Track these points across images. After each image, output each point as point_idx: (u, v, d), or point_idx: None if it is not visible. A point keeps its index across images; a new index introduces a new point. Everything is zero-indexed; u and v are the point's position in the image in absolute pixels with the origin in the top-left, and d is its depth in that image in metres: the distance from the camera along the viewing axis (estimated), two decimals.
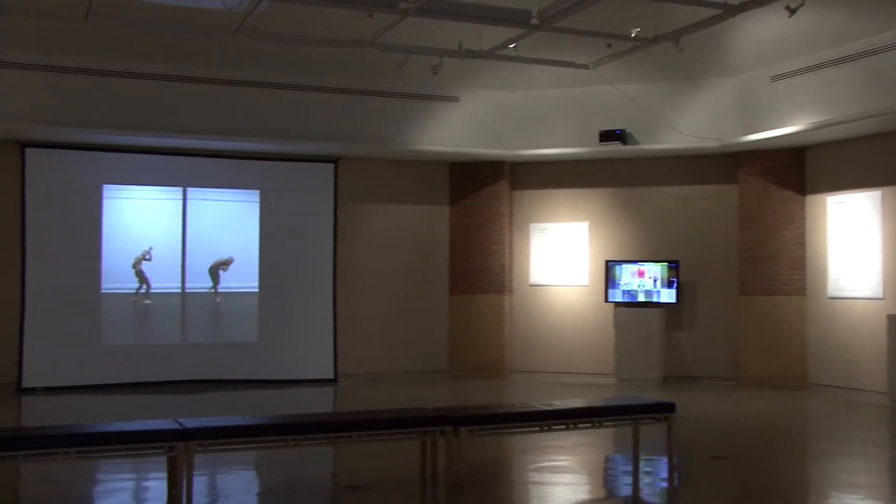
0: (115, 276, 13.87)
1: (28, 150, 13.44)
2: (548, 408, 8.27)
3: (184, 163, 14.24)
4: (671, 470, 8.39)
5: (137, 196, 14.09)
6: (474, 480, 7.73)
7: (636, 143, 14.44)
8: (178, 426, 7.01)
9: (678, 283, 14.54)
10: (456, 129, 14.89)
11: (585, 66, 13.36)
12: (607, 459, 9.33)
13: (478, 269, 15.56)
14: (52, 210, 13.54)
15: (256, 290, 14.60)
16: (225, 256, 14.45)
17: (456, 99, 14.84)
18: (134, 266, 13.96)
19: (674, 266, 14.59)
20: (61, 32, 12.18)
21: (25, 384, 13.24)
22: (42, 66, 12.69)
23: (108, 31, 11.89)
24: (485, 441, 8.82)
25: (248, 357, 14.43)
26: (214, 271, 14.40)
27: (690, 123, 14.19)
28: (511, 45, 12.14)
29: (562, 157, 15.11)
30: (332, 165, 14.99)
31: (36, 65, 12.66)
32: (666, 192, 14.99)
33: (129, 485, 8.02)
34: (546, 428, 8.14)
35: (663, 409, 8.53)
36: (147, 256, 14.00)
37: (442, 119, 14.81)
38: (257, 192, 14.63)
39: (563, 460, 9.01)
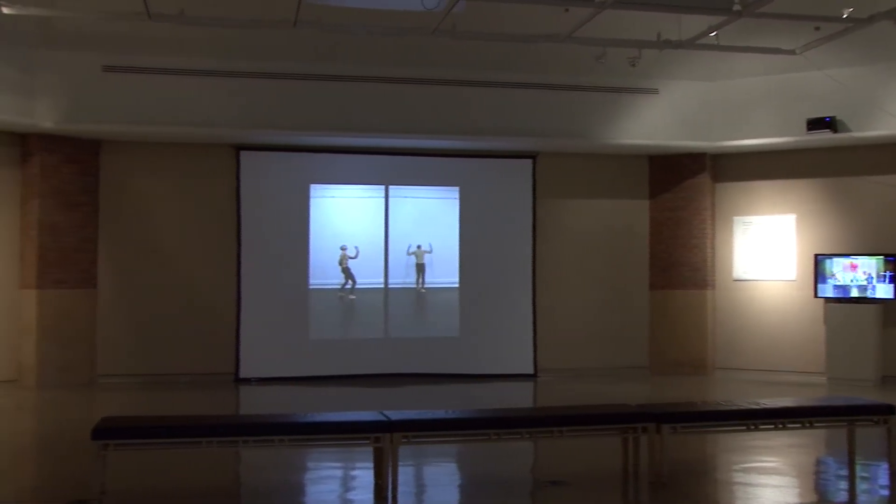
0: (322, 273, 14.45)
1: (242, 153, 14.21)
2: (755, 406, 8.00)
3: (386, 161, 14.66)
4: (892, 476, 7.93)
5: (342, 195, 14.62)
6: (677, 479, 7.59)
7: (848, 130, 13.69)
8: (383, 418, 7.24)
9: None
10: (655, 121, 14.61)
11: (792, 52, 12.80)
12: (819, 462, 8.92)
13: (679, 263, 15.23)
14: (264, 210, 14.25)
15: (457, 285, 14.84)
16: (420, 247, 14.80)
17: (655, 91, 14.55)
18: (340, 263, 14.50)
19: (891, 259, 13.77)
20: (270, 39, 12.78)
21: (242, 374, 14.02)
22: (254, 73, 13.36)
23: (313, 35, 12.37)
24: (688, 439, 8.65)
25: (449, 351, 14.69)
26: (420, 265, 14.76)
27: None
28: (712, 34, 11.78)
29: (767, 147, 14.55)
30: (530, 161, 15.04)
31: (248, 72, 13.34)
32: (881, 182, 14.15)
33: (338, 473, 8.34)
34: (753, 427, 7.89)
35: (882, 411, 8.06)
36: (352, 255, 14.48)
37: (641, 111, 14.57)
38: (457, 188, 14.88)
39: (771, 461, 8.69)
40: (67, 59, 12.85)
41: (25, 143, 13.27)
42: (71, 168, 13.48)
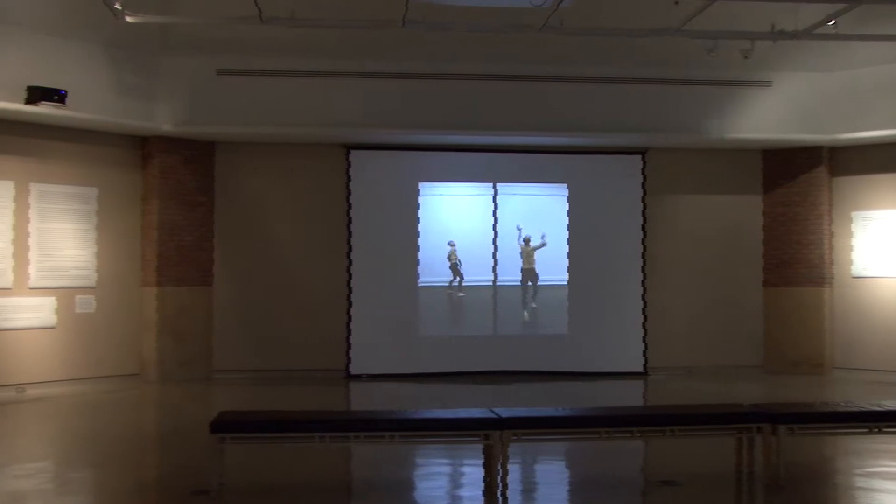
0: (430, 270, 14.55)
1: (352, 153, 14.41)
2: (878, 408, 7.73)
3: (494, 159, 14.66)
4: None
5: (450, 192, 14.69)
6: (794, 481, 7.39)
7: None
8: (493, 415, 7.25)
9: None
10: (769, 114, 14.25)
11: None
12: None
13: (794, 260, 14.83)
14: (374, 208, 14.42)
15: (566, 282, 14.75)
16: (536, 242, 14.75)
17: (768, 83, 14.19)
18: (449, 259, 14.58)
19: None
20: (378, 39, 12.92)
21: (353, 371, 14.22)
22: (363, 73, 13.54)
23: (420, 35, 12.44)
24: (805, 441, 8.41)
25: (558, 349, 14.62)
26: (529, 271, 14.72)
27: None
28: (830, 23, 11.41)
29: (888, 139, 14.01)
30: (640, 157, 14.85)
31: (358, 72, 13.53)
32: None
33: (447, 469, 8.38)
34: (875, 430, 7.63)
35: None
36: (455, 258, 14.54)
37: (753, 105, 14.22)
38: (566, 185, 14.78)
39: (895, 466, 8.38)
40: (184, 63, 13.28)
41: (146, 146, 13.74)
42: (188, 169, 13.90)
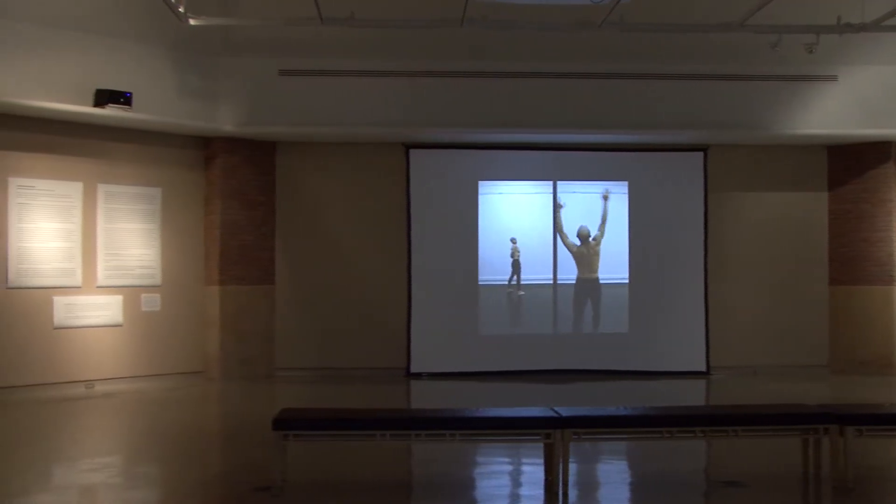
0: (490, 268, 14.54)
1: (412, 151, 14.46)
2: None
3: (554, 157, 14.60)
4: None
5: (510, 191, 14.66)
6: (863, 484, 7.24)
7: None
8: (554, 414, 7.22)
9: None
10: (834, 109, 13.97)
11: None
12: None
13: (861, 258, 14.54)
14: (433, 207, 14.46)
15: (626, 280, 14.64)
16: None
17: (834, 78, 13.92)
18: (512, 256, 14.54)
19: None
20: (437, 38, 12.94)
21: (413, 369, 14.27)
22: (422, 72, 13.56)
23: (480, 34, 12.43)
24: (875, 443, 8.23)
25: (618, 348, 14.52)
26: (590, 285, 14.61)
27: None
28: None
29: None
30: (701, 154, 14.68)
31: (417, 71, 13.55)
32: None
33: (507, 468, 8.37)
34: None
35: None
36: (517, 255, 14.50)
37: (818, 100, 13.96)
38: (626, 183, 14.67)
39: None
40: (246, 65, 13.43)
41: (209, 146, 13.95)
42: (250, 169, 14.07)
